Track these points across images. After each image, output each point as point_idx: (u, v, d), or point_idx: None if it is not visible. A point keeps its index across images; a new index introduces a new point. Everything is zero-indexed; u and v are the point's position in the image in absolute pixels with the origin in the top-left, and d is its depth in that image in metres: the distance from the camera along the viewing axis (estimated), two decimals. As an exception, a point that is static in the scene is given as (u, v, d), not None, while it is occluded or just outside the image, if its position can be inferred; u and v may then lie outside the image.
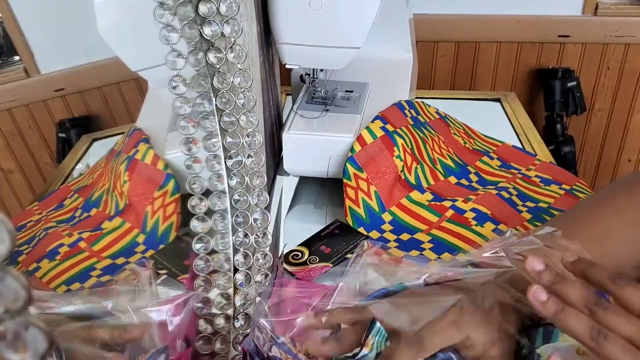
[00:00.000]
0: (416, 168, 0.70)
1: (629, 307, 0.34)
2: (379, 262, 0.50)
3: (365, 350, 0.42)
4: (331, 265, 0.60)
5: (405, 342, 0.40)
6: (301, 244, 0.63)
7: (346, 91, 0.77)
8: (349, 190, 0.66)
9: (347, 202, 0.66)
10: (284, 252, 0.61)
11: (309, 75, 0.76)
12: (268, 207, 0.58)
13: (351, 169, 0.66)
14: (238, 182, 0.55)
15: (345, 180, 0.67)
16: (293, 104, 0.75)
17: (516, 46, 1.40)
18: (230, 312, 0.53)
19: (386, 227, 0.66)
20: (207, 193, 0.55)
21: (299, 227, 0.69)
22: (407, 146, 0.70)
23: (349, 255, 0.60)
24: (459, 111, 0.88)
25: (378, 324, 0.42)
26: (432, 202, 0.67)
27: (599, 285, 0.36)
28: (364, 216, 0.66)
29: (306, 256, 0.61)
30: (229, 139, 0.55)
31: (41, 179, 1.44)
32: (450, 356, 0.40)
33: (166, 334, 0.47)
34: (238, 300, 0.53)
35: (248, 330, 0.51)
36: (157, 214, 0.65)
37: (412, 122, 0.74)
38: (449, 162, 0.75)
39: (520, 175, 0.74)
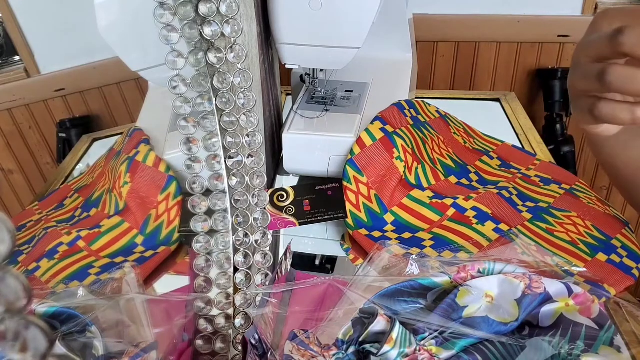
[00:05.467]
0: (417, 168, 0.70)
1: None
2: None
3: (387, 347, 0.41)
4: (297, 224, 0.61)
5: None
6: (293, 187, 0.65)
7: (346, 91, 0.77)
8: (349, 194, 0.66)
9: (348, 206, 0.66)
10: (273, 189, 0.63)
11: (309, 75, 0.76)
12: (268, 207, 0.58)
13: (351, 172, 0.66)
14: (238, 182, 0.55)
15: (345, 183, 0.67)
16: (293, 104, 0.75)
17: (516, 46, 1.40)
18: (230, 311, 0.53)
19: (388, 227, 0.66)
20: (207, 193, 0.55)
21: (298, 226, 0.69)
22: (408, 146, 0.70)
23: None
24: (458, 111, 0.88)
25: (398, 323, 0.42)
26: (433, 200, 0.67)
27: None
28: (365, 220, 0.66)
29: (289, 201, 0.62)
30: (229, 139, 0.55)
31: (41, 179, 1.44)
32: None
33: (167, 333, 0.47)
34: (238, 300, 0.53)
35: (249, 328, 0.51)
36: (162, 218, 0.65)
37: (412, 122, 0.74)
38: (449, 162, 0.75)
39: (520, 175, 0.74)
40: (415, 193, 0.68)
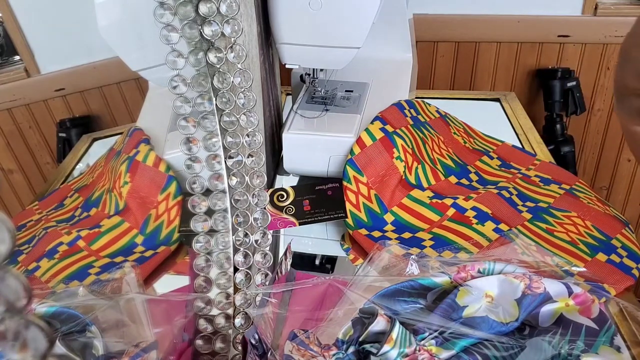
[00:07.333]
0: (417, 168, 0.70)
1: None
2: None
3: (387, 347, 0.41)
4: (297, 224, 0.62)
5: None
6: (293, 186, 0.66)
7: (346, 91, 0.77)
8: (349, 193, 0.66)
9: (348, 206, 0.66)
10: (273, 188, 0.64)
11: (309, 75, 0.76)
12: (268, 207, 0.58)
13: (351, 172, 0.66)
14: (238, 181, 0.55)
15: (345, 183, 0.67)
16: (293, 104, 0.75)
17: (516, 46, 1.40)
18: (230, 311, 0.53)
19: (388, 227, 0.66)
20: (207, 193, 0.55)
21: (298, 226, 0.69)
22: (408, 146, 0.70)
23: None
24: (458, 111, 0.88)
25: (398, 323, 0.42)
26: (433, 200, 0.67)
27: None
28: (365, 220, 0.66)
29: (289, 201, 0.62)
30: (229, 139, 0.55)
31: (41, 179, 1.44)
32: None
33: (168, 332, 0.47)
34: (238, 300, 0.53)
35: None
36: (162, 218, 0.65)
37: (412, 122, 0.74)
38: (449, 162, 0.75)
39: (520, 175, 0.74)
40: (415, 193, 0.68)
